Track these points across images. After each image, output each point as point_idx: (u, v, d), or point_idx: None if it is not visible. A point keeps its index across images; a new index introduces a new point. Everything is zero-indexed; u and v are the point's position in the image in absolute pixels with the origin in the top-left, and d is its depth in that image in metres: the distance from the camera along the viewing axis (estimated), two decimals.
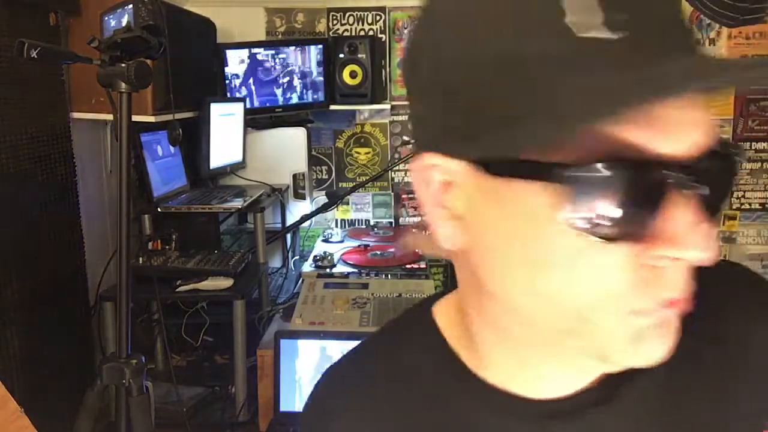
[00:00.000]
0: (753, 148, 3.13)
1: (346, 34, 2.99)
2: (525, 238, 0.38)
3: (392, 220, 3.14)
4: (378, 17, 3.01)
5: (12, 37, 1.69)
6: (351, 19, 3.01)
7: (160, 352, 2.32)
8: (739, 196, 3.15)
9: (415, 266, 2.34)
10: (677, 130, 0.35)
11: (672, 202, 0.36)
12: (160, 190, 2.26)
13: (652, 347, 0.39)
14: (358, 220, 3.16)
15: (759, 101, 3.08)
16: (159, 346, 2.32)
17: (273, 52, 2.81)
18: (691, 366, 0.46)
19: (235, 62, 2.74)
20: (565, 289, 0.38)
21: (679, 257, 0.36)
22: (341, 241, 2.74)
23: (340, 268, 2.35)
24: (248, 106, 2.73)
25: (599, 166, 0.34)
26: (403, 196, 3.15)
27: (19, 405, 1.15)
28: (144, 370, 1.28)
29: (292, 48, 2.84)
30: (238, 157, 2.69)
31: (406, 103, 2.94)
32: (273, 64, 2.81)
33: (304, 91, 2.87)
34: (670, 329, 0.39)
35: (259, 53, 2.79)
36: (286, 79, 2.84)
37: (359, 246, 2.62)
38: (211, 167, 2.44)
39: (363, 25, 3.01)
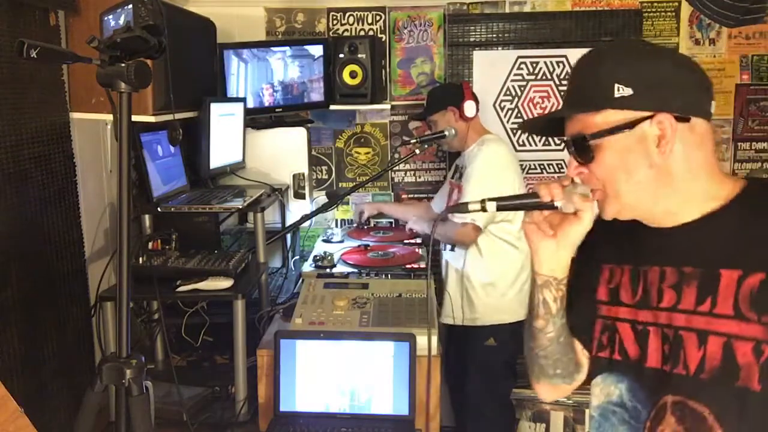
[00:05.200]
0: (753, 148, 3.13)
1: (346, 34, 2.99)
2: None
3: (392, 220, 3.14)
4: (378, 17, 3.01)
5: (12, 37, 1.69)
6: (351, 19, 3.01)
7: (160, 352, 2.32)
8: None
9: (415, 266, 2.34)
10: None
11: None
12: (160, 190, 2.26)
13: None
14: None
15: (759, 101, 3.08)
16: (159, 346, 2.32)
17: (273, 51, 2.81)
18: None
19: (236, 62, 2.74)
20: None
21: None
22: (341, 241, 2.74)
23: (340, 268, 2.35)
24: (248, 106, 2.73)
25: None
26: (403, 196, 3.15)
27: (19, 405, 1.15)
28: (144, 370, 1.28)
29: (292, 48, 2.84)
30: (238, 157, 2.69)
31: (405, 102, 2.92)
32: (273, 63, 2.81)
33: (304, 90, 2.87)
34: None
35: (259, 53, 2.79)
36: (286, 79, 2.84)
37: (359, 246, 2.62)
38: (211, 167, 2.44)
39: (363, 25, 3.01)
